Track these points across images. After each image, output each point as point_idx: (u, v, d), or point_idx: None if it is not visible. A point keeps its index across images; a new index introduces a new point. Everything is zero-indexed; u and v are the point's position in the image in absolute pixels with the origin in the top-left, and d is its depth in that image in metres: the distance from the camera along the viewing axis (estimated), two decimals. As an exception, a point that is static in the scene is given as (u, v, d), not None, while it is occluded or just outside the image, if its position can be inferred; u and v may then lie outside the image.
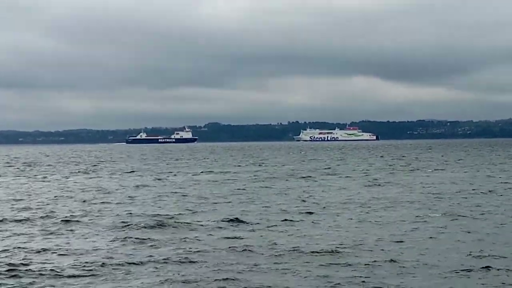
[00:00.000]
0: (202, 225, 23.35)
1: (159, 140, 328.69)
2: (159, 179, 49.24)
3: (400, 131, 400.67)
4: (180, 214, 26.56)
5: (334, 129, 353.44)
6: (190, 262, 17.10)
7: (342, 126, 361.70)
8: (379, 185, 40.91)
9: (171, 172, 58.13)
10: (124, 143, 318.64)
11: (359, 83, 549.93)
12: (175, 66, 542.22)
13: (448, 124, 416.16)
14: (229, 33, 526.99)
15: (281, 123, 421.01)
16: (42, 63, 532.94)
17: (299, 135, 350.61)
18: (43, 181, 49.86)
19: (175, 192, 36.70)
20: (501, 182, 41.75)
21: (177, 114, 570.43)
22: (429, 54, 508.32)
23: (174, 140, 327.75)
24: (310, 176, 49.79)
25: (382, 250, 18.47)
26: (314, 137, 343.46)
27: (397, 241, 19.80)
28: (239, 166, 69.94)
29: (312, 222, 24.01)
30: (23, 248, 19.17)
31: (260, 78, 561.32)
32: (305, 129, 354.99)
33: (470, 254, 17.73)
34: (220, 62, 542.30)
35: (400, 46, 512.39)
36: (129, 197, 34.29)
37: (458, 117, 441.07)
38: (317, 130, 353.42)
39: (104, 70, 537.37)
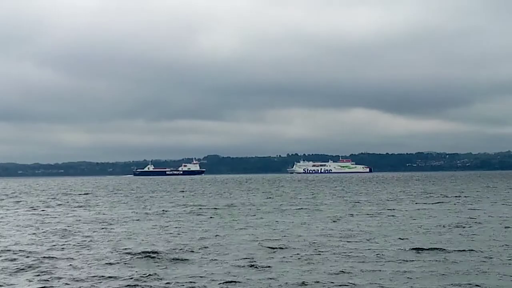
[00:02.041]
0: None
1: (167, 172, 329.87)
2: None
3: (399, 164, 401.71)
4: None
5: (328, 161, 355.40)
6: None
7: (340, 159, 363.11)
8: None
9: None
10: (131, 175, 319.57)
11: (359, 116, 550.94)
12: (173, 99, 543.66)
13: (447, 156, 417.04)
14: (227, 66, 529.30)
15: (280, 155, 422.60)
16: (40, 96, 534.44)
17: (293, 167, 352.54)
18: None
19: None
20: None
21: (175, 147, 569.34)
22: (428, 86, 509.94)
23: (181, 172, 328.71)
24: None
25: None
26: (307, 170, 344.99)
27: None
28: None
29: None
30: None
31: (259, 110, 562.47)
32: (299, 162, 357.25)
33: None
34: (218, 95, 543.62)
35: (399, 79, 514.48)
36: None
37: (457, 149, 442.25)
38: (311, 162, 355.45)
39: (102, 102, 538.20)
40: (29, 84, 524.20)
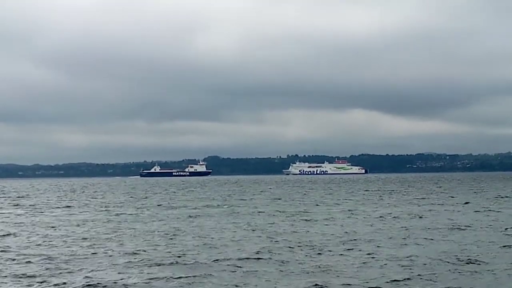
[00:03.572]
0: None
1: (173, 173, 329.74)
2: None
3: (400, 165, 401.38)
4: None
5: (324, 162, 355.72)
6: None
7: (336, 160, 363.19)
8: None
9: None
10: (137, 176, 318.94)
11: (358, 117, 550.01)
12: (173, 100, 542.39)
13: (448, 157, 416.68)
14: (226, 66, 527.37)
15: (280, 157, 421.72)
16: (40, 96, 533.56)
17: (288, 168, 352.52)
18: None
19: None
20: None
21: (176, 148, 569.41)
22: (428, 87, 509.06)
23: (188, 173, 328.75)
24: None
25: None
26: (303, 171, 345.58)
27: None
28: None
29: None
30: None
31: (259, 111, 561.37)
32: (295, 163, 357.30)
33: None
34: (218, 95, 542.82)
35: (399, 80, 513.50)
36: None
37: (457, 150, 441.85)
38: (306, 163, 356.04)
39: (102, 103, 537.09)
40: (29, 85, 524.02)
